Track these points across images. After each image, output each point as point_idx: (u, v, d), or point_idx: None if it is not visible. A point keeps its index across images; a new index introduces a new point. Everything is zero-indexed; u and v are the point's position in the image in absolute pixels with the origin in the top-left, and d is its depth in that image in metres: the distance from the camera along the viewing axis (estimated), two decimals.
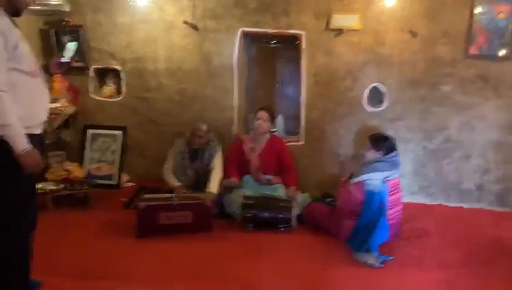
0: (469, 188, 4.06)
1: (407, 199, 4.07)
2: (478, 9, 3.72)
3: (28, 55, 2.09)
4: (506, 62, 3.77)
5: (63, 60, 2.26)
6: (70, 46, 2.30)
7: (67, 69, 4.23)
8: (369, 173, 3.09)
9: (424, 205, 4.09)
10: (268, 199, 3.59)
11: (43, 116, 2.21)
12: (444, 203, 4.10)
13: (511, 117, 3.87)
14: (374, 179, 3.06)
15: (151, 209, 3.28)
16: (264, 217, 3.43)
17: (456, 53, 3.83)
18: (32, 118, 2.09)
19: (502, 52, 3.75)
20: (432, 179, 4.11)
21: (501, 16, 3.68)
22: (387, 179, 3.09)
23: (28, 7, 2.22)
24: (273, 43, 4.69)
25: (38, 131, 2.18)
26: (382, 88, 4.03)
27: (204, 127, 3.73)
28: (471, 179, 4.04)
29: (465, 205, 4.06)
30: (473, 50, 3.79)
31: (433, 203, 4.12)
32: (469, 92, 3.88)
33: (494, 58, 3.78)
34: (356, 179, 3.14)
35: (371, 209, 3.04)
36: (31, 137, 2.06)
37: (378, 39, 3.93)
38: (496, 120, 3.90)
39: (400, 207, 3.26)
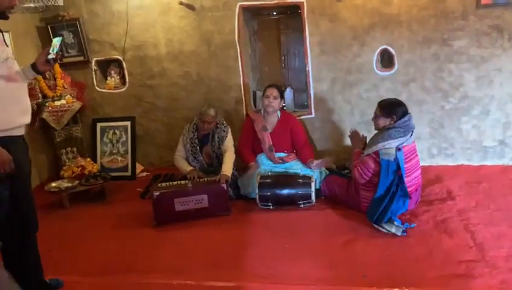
0: (491, 145, 3.90)
1: (427, 163, 3.99)
2: None
3: (3, 59, 2.07)
4: None
5: (49, 56, 2.18)
6: (55, 42, 2.22)
7: (70, 64, 4.31)
8: (382, 141, 2.95)
9: (445, 167, 3.96)
10: (286, 176, 3.52)
11: (23, 119, 2.21)
12: (466, 163, 3.97)
13: None
14: (388, 148, 2.93)
15: (166, 197, 3.25)
16: (282, 195, 3.37)
17: (467, 4, 3.61)
18: (8, 121, 2.10)
19: None
20: (451, 139, 3.96)
21: None
22: (402, 145, 2.96)
23: (14, 6, 2.16)
24: (275, 14, 4.53)
25: (18, 133, 2.19)
26: (392, 50, 3.85)
27: (211, 111, 3.64)
28: (492, 136, 3.88)
29: (488, 163, 3.92)
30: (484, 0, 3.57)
31: (455, 164, 3.99)
32: (484, 44, 3.68)
33: (508, 5, 3.55)
34: (370, 149, 3.02)
35: (388, 179, 2.93)
36: (10, 139, 2.10)
37: None
38: None
39: (418, 172, 3.14)
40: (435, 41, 3.75)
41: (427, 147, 4.01)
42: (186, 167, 3.69)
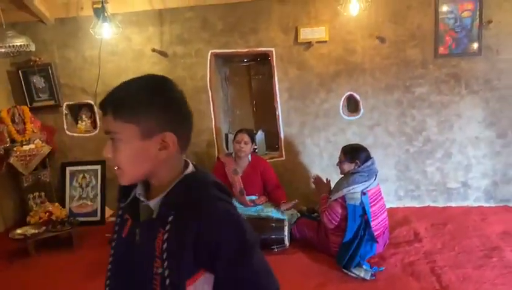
0: (454, 187, 4.05)
1: (394, 205, 4.08)
2: (443, 10, 3.75)
3: None
4: (476, 58, 3.80)
5: None
6: None
7: (40, 109, 4.29)
8: (347, 186, 3.04)
9: (412, 208, 4.07)
10: (259, 220, 3.52)
11: None
12: (432, 205, 4.09)
13: (486, 112, 3.88)
14: (353, 192, 3.02)
15: None
16: None
17: (426, 54, 3.85)
18: None
19: (470, 49, 3.77)
20: (417, 181, 4.10)
21: (465, 14, 3.71)
22: (367, 189, 3.06)
23: None
24: (246, 61, 4.67)
25: None
26: (357, 96, 4.02)
27: None
28: (455, 178, 4.04)
29: (452, 204, 4.05)
30: (442, 50, 3.81)
31: (421, 205, 4.10)
32: (444, 91, 3.90)
33: (464, 55, 3.80)
34: (336, 195, 3.09)
35: (355, 223, 3.00)
36: None
37: (347, 48, 3.94)
38: (472, 116, 3.91)
39: (384, 215, 3.23)
40: (398, 88, 3.94)
41: (394, 189, 4.12)
42: None
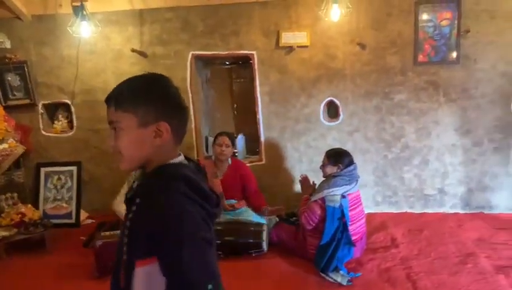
0: (431, 193, 4.09)
1: (372, 210, 4.10)
2: (422, 18, 3.80)
3: None
4: (454, 67, 3.85)
5: None
6: None
7: (15, 107, 4.18)
8: (328, 188, 3.06)
9: (389, 214, 4.09)
10: (237, 223, 3.49)
11: None
12: (409, 211, 4.12)
13: (463, 120, 3.94)
14: (333, 194, 3.03)
15: (109, 247, 3.12)
16: (233, 243, 3.33)
17: (405, 62, 3.89)
18: None
19: (449, 58, 3.83)
20: (394, 187, 4.13)
21: (444, 22, 3.77)
22: (347, 193, 3.07)
23: None
24: (227, 64, 4.65)
25: None
26: (337, 101, 4.03)
27: None
28: (432, 184, 4.08)
29: (429, 211, 4.09)
30: (421, 58, 3.85)
31: (399, 211, 4.13)
32: (422, 99, 3.94)
33: (442, 63, 3.86)
34: (316, 196, 3.10)
35: (333, 225, 3.00)
36: None
37: (328, 54, 3.95)
38: (449, 124, 3.96)
39: (363, 221, 3.24)
40: (377, 94, 3.97)
41: (372, 195, 4.15)
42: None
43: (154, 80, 1.22)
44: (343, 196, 3.05)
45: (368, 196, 4.07)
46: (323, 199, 3.06)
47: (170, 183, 1.14)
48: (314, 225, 3.09)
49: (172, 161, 1.20)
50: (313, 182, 3.44)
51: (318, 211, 3.07)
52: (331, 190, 3.04)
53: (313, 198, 3.13)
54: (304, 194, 3.36)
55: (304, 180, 3.47)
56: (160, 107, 1.16)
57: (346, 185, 3.08)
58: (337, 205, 3.01)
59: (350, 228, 3.04)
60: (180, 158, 1.23)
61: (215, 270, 1.12)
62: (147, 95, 1.16)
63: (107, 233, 3.35)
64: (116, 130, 1.17)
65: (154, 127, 1.16)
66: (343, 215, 3.01)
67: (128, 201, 1.20)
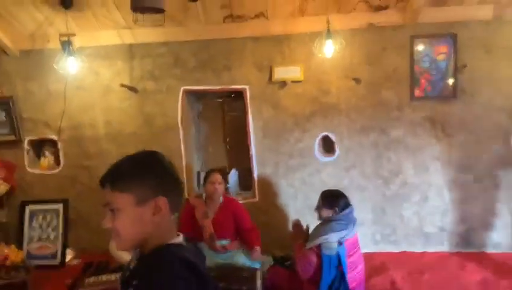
0: (431, 231, 3.94)
1: (370, 249, 3.94)
2: (418, 52, 3.72)
3: None
4: (451, 101, 3.76)
5: None
6: None
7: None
8: (324, 235, 2.87)
9: (388, 253, 3.93)
10: (229, 269, 3.31)
11: None
12: (409, 250, 3.96)
13: (462, 156, 3.82)
14: (329, 242, 2.85)
15: None
16: None
17: (401, 97, 3.80)
18: None
19: (446, 92, 3.74)
20: (394, 225, 3.97)
21: (440, 57, 3.69)
22: (345, 239, 2.90)
23: None
24: (220, 97, 4.55)
25: None
26: (332, 137, 3.92)
27: None
28: (432, 222, 3.93)
29: (430, 249, 3.93)
30: (417, 92, 3.76)
31: (397, 251, 3.97)
32: (419, 134, 3.83)
33: (439, 98, 3.76)
34: (312, 243, 2.92)
35: (330, 275, 2.83)
36: None
37: (322, 88, 3.86)
38: (449, 160, 3.84)
39: (361, 266, 3.06)
40: (373, 129, 3.86)
41: (371, 233, 3.99)
42: (126, 256, 3.40)
43: (148, 157, 1.25)
44: (339, 243, 2.87)
45: (366, 235, 3.92)
46: (319, 247, 2.88)
47: (170, 266, 1.12)
48: (310, 274, 2.91)
49: (171, 242, 1.20)
50: (307, 225, 3.26)
51: (314, 259, 2.89)
52: (327, 236, 2.86)
53: (309, 245, 2.94)
54: (297, 240, 3.17)
55: (296, 226, 3.27)
56: (157, 183, 1.19)
57: (343, 229, 2.91)
58: (333, 252, 2.84)
59: (348, 276, 2.86)
60: (179, 239, 1.23)
61: None
62: (142, 173, 1.19)
63: (92, 280, 3.18)
64: (113, 211, 1.18)
65: (152, 204, 1.17)
66: (340, 263, 2.84)
67: (124, 281, 1.19)
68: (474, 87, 3.73)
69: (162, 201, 1.18)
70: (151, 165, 1.22)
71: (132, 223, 1.17)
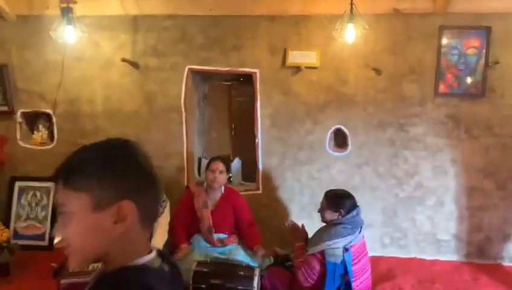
0: (445, 239, 3.68)
1: (378, 253, 3.70)
2: (446, 44, 3.42)
3: None
4: (478, 100, 3.47)
5: None
6: None
7: None
8: (328, 240, 2.60)
9: (397, 259, 3.68)
10: (226, 265, 3.06)
11: None
12: (419, 257, 3.70)
13: (486, 160, 3.54)
14: (334, 248, 2.58)
15: (76, 288, 2.72)
16: (221, 288, 2.88)
17: (424, 91, 3.51)
18: None
19: (473, 90, 3.44)
20: (404, 229, 3.72)
21: (470, 51, 3.39)
22: (351, 244, 2.63)
23: None
24: (227, 80, 4.27)
25: None
26: (346, 130, 3.64)
27: None
28: (446, 229, 3.67)
29: (441, 258, 3.67)
30: (442, 88, 3.47)
31: (407, 256, 3.71)
32: (440, 133, 3.55)
33: (465, 96, 3.48)
34: (315, 248, 2.64)
35: (334, 284, 2.57)
36: None
37: (339, 77, 3.57)
38: (470, 164, 3.56)
39: (367, 274, 2.80)
40: (391, 125, 3.59)
41: (379, 236, 3.74)
42: None
43: (116, 147, 0.97)
44: (345, 249, 2.60)
45: (374, 237, 3.67)
46: (322, 253, 2.61)
47: None
48: (313, 282, 2.65)
49: (135, 263, 0.91)
50: (302, 225, 2.98)
51: (317, 267, 2.62)
52: (332, 242, 2.58)
53: (311, 250, 2.66)
54: (296, 242, 2.89)
55: (292, 230, 2.98)
56: (123, 183, 0.91)
57: (349, 235, 2.63)
58: (338, 260, 2.57)
59: (353, 284, 2.61)
60: (150, 257, 0.94)
61: None
62: (105, 167, 0.91)
63: (77, 268, 2.94)
64: (64, 214, 0.90)
65: (114, 209, 0.89)
66: (346, 271, 2.58)
67: None
68: (505, 86, 3.44)
69: (128, 206, 0.90)
70: (118, 158, 0.94)
71: (86, 233, 0.89)
